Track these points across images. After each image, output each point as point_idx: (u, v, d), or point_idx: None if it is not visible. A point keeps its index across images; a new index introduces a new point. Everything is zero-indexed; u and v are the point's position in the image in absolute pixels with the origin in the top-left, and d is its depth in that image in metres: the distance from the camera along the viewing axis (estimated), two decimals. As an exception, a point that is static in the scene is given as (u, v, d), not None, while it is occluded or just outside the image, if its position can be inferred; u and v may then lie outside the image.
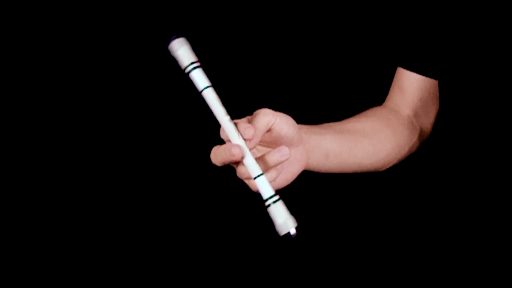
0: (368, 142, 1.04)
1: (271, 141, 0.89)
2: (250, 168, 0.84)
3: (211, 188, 1.47)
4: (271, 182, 0.85)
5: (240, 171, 0.85)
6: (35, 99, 1.46)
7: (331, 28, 1.41)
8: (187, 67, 0.86)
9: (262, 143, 0.90)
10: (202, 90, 0.86)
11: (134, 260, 1.49)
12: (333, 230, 1.47)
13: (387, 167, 1.09)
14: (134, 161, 1.48)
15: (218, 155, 0.85)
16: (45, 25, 1.43)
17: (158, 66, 1.44)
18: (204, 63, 1.36)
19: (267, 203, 0.84)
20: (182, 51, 0.86)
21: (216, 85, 1.22)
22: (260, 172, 0.84)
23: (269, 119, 0.87)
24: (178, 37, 0.87)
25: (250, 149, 0.84)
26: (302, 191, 1.43)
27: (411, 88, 1.12)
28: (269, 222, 1.47)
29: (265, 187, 0.84)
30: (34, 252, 1.47)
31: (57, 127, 1.47)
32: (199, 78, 0.86)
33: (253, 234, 1.48)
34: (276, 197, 0.84)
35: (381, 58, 1.32)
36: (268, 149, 0.89)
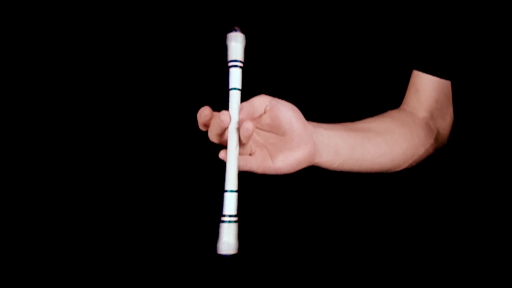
0: (382, 140, 1.03)
1: (270, 124, 0.90)
2: (228, 178, 0.86)
3: (209, 187, 1.47)
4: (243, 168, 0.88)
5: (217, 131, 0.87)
6: (35, 99, 1.47)
7: (346, 32, 1.41)
8: (230, 61, 0.89)
9: (263, 128, 0.91)
10: (230, 89, 0.88)
11: (133, 260, 1.49)
12: (335, 231, 1.46)
13: (402, 168, 1.08)
14: (133, 161, 1.49)
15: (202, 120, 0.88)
16: (45, 25, 1.45)
17: (157, 67, 1.45)
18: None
19: (224, 219, 0.86)
20: (234, 46, 0.89)
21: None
22: (235, 188, 0.86)
23: (264, 100, 0.89)
24: (238, 31, 0.90)
25: (243, 121, 0.86)
26: (306, 190, 1.43)
27: (426, 90, 1.12)
28: (268, 224, 1.47)
29: (231, 204, 0.86)
30: (34, 252, 1.48)
31: (57, 127, 1.48)
32: (234, 77, 0.88)
33: (252, 234, 1.47)
34: (235, 218, 0.87)
35: (396, 61, 1.32)
36: (271, 135, 0.90)
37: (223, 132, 0.88)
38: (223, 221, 0.86)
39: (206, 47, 1.40)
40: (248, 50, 1.41)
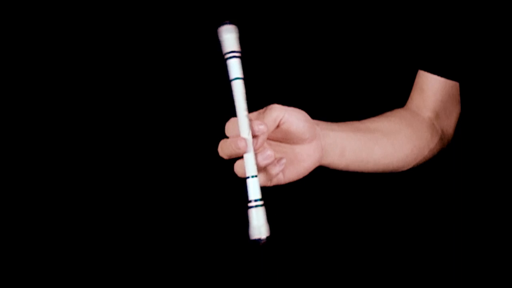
0: (387, 141, 1.04)
1: (281, 136, 0.89)
2: (247, 166, 0.86)
3: (209, 187, 1.47)
4: (262, 185, 0.87)
5: (237, 167, 0.87)
6: (35, 99, 1.47)
7: (353, 31, 1.41)
8: (228, 53, 0.88)
9: (273, 138, 0.90)
10: (232, 80, 0.87)
11: (133, 260, 1.49)
12: (336, 229, 1.47)
13: (406, 168, 1.08)
14: (133, 161, 1.49)
15: (224, 148, 0.86)
16: (45, 25, 1.44)
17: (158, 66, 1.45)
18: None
19: (250, 204, 0.86)
20: (229, 37, 0.88)
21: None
22: (255, 173, 0.86)
23: (277, 114, 0.87)
24: (230, 23, 0.89)
25: (258, 146, 0.85)
26: (308, 189, 1.43)
27: (431, 90, 1.12)
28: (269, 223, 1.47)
29: (254, 189, 0.86)
30: (34, 252, 1.48)
31: (56, 127, 1.48)
32: (234, 68, 0.87)
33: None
34: (261, 202, 0.86)
35: (402, 60, 1.32)
36: (280, 144, 0.90)
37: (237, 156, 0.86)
38: (250, 207, 0.86)
39: (205, 47, 1.40)
40: (255, 50, 1.41)
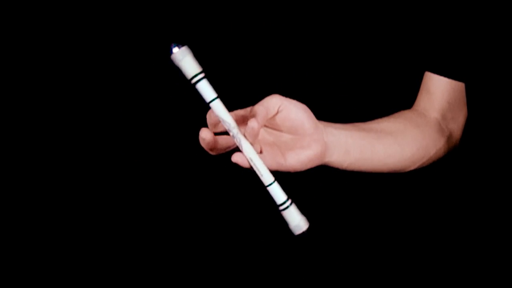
0: (392, 140, 1.04)
1: (281, 124, 0.91)
2: (263, 175, 0.87)
3: (210, 188, 1.47)
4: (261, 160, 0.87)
5: (236, 156, 0.87)
6: (35, 99, 1.47)
7: (360, 32, 1.41)
8: (191, 78, 0.85)
9: (274, 127, 0.92)
10: (209, 102, 0.86)
11: (133, 260, 1.49)
12: (341, 230, 1.46)
13: (412, 168, 1.08)
14: (133, 161, 1.49)
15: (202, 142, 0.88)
16: (45, 25, 1.45)
17: (157, 67, 1.45)
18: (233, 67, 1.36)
19: (281, 208, 0.88)
20: (185, 62, 0.84)
21: (248, 86, 1.22)
22: (272, 179, 0.87)
23: (276, 100, 0.89)
24: (179, 46, 0.84)
25: (258, 128, 0.85)
26: (313, 189, 1.43)
27: (438, 92, 1.12)
28: (267, 223, 1.47)
29: (278, 194, 0.87)
30: (34, 252, 1.48)
31: (57, 127, 1.48)
32: (205, 90, 0.85)
33: (252, 234, 1.47)
34: (289, 202, 0.88)
35: (409, 62, 1.32)
36: (282, 134, 0.91)
37: (213, 146, 0.89)
38: (280, 210, 0.88)
39: (205, 47, 1.40)
40: (262, 49, 1.41)
